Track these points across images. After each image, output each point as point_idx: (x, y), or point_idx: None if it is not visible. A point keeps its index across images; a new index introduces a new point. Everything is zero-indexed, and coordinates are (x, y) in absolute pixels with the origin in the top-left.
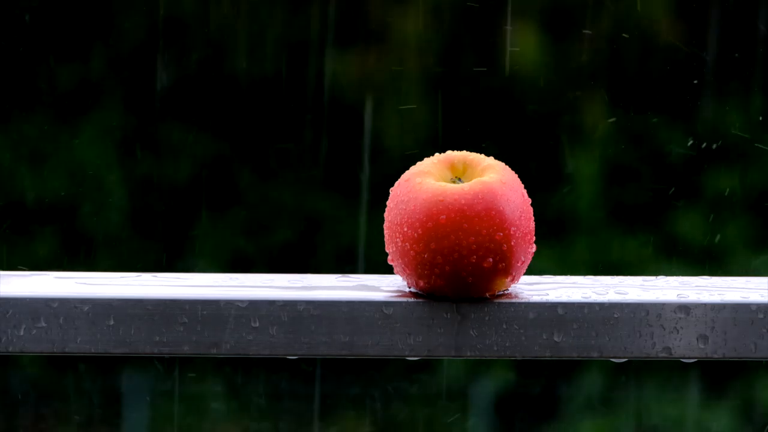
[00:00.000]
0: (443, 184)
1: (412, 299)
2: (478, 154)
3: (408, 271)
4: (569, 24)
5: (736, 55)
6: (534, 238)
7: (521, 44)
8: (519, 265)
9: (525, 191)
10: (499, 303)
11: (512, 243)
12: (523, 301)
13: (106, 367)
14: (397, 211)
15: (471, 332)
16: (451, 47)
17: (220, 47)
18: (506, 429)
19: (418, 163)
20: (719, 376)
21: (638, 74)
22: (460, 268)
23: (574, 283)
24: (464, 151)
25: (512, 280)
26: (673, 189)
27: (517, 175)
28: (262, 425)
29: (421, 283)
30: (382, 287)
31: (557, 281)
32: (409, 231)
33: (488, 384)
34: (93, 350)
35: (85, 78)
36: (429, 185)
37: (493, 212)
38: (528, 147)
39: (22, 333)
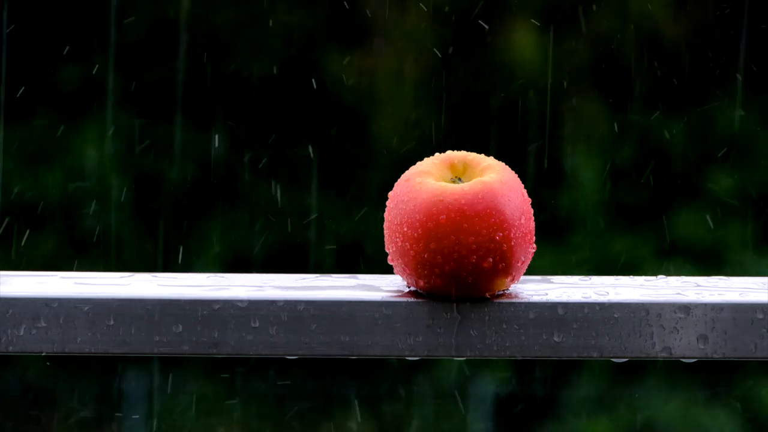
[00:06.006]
0: (443, 184)
1: (412, 299)
2: (478, 154)
3: (408, 271)
4: (568, 22)
5: (737, 54)
6: (534, 238)
7: (521, 43)
8: (519, 265)
9: (525, 191)
10: (499, 303)
11: (512, 243)
12: (523, 301)
13: (106, 367)
14: (397, 211)
15: (471, 332)
16: (451, 47)
17: (221, 47)
18: (506, 429)
19: (418, 163)
20: (719, 376)
21: (638, 73)
22: (460, 268)
23: (574, 283)
24: (464, 151)
25: (512, 280)
26: (673, 189)
27: (517, 175)
28: (262, 425)
29: (421, 283)
30: (382, 287)
31: (557, 281)
32: (409, 231)
33: (488, 384)
34: (93, 350)
35: (87, 78)
36: (429, 185)
37: (493, 212)
38: (528, 147)
39: (22, 333)
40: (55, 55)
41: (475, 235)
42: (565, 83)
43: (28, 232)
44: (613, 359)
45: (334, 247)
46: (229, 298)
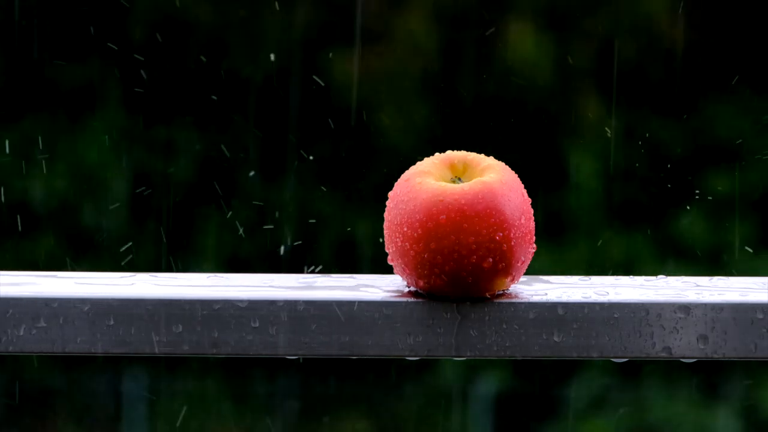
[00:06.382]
0: (443, 184)
1: (412, 299)
2: (478, 154)
3: (408, 271)
4: (568, 23)
5: (738, 54)
6: (534, 238)
7: (521, 43)
8: (519, 265)
9: (525, 191)
10: (499, 303)
11: (512, 243)
12: (523, 301)
13: (106, 367)
14: (397, 211)
15: (471, 332)
16: (451, 47)
17: (221, 46)
18: (506, 429)
19: (418, 163)
20: (719, 376)
21: (638, 73)
22: (460, 268)
23: (574, 283)
24: (464, 151)
25: (512, 280)
26: (673, 189)
27: (517, 175)
28: (262, 425)
29: (421, 283)
30: (382, 287)
31: (557, 281)
32: (409, 231)
33: (488, 384)
34: (93, 350)
35: (86, 78)
36: (429, 185)
37: (493, 212)
38: (528, 147)
39: (22, 333)
40: (55, 55)
41: (475, 235)
42: (565, 83)
43: (28, 232)
44: (613, 359)
45: (334, 247)
46: (229, 298)
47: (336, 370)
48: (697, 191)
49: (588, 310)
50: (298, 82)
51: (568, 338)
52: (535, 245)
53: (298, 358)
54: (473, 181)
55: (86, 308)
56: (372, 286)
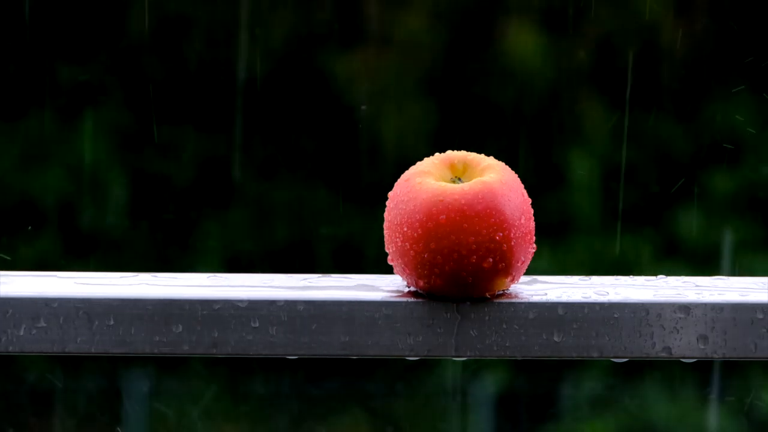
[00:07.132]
0: (443, 184)
1: (412, 299)
2: (478, 154)
3: (408, 271)
4: (569, 23)
5: (737, 54)
6: (534, 238)
7: (521, 44)
8: (519, 265)
9: (525, 191)
10: (499, 303)
11: (512, 243)
12: (523, 301)
13: (105, 367)
14: (397, 211)
15: (471, 332)
16: (451, 47)
17: (221, 46)
18: (506, 429)
19: (418, 163)
20: (719, 376)
21: (638, 73)
22: (460, 268)
23: (574, 283)
24: (464, 151)
25: (512, 280)
26: (673, 189)
27: (517, 175)
28: (262, 425)
29: (421, 283)
30: (382, 287)
31: (557, 281)
32: (409, 231)
33: (488, 384)
34: (93, 350)
35: (86, 77)
36: (429, 185)
37: (493, 212)
38: (528, 147)
39: (22, 333)
40: (55, 54)
41: (475, 235)
42: (564, 83)
43: (27, 231)
44: (613, 359)
45: (334, 247)
46: (229, 298)
47: (336, 369)
48: (697, 191)
49: (588, 310)
50: (299, 82)
51: (568, 338)
52: (535, 245)
53: (297, 358)
54: (473, 181)
55: (86, 308)
56: (372, 286)
